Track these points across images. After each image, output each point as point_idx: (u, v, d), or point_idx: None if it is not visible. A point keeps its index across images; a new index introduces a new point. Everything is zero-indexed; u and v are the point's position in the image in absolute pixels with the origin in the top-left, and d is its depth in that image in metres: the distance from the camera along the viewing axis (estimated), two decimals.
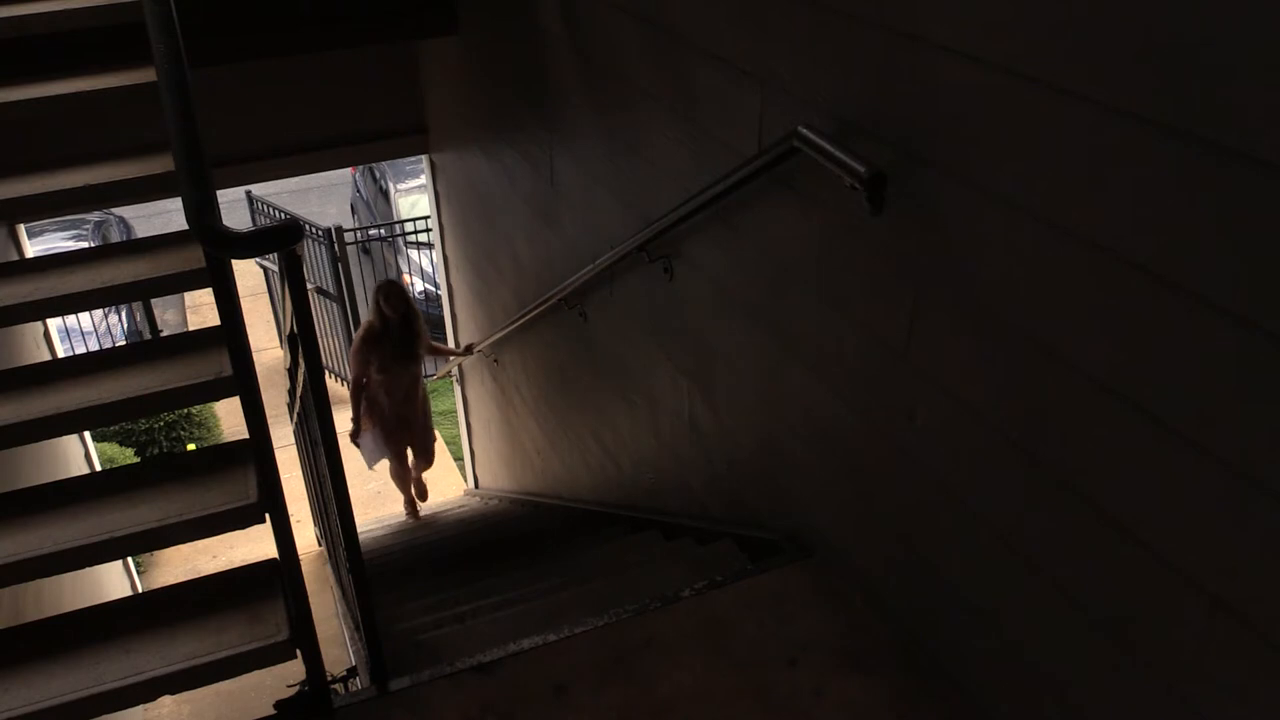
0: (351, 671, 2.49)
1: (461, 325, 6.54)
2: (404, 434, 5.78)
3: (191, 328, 8.86)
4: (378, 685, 2.02)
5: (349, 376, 5.50)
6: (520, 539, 4.59)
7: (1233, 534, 1.20)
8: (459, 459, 7.52)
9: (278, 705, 1.96)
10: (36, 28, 2.54)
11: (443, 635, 2.68)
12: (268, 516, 1.90)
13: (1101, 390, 1.34)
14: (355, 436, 5.60)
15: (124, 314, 8.23)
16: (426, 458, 6.13)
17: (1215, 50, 1.09)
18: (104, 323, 7.92)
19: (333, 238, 7.93)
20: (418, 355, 5.50)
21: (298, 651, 1.89)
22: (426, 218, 7.93)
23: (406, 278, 8.76)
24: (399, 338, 5.30)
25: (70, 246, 6.97)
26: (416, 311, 5.39)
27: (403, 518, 6.30)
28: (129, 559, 5.84)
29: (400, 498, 6.36)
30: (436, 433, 6.45)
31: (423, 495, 6.40)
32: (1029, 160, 1.39)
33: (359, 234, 8.96)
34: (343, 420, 7.95)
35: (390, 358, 5.32)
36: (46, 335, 5.47)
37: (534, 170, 3.96)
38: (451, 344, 6.85)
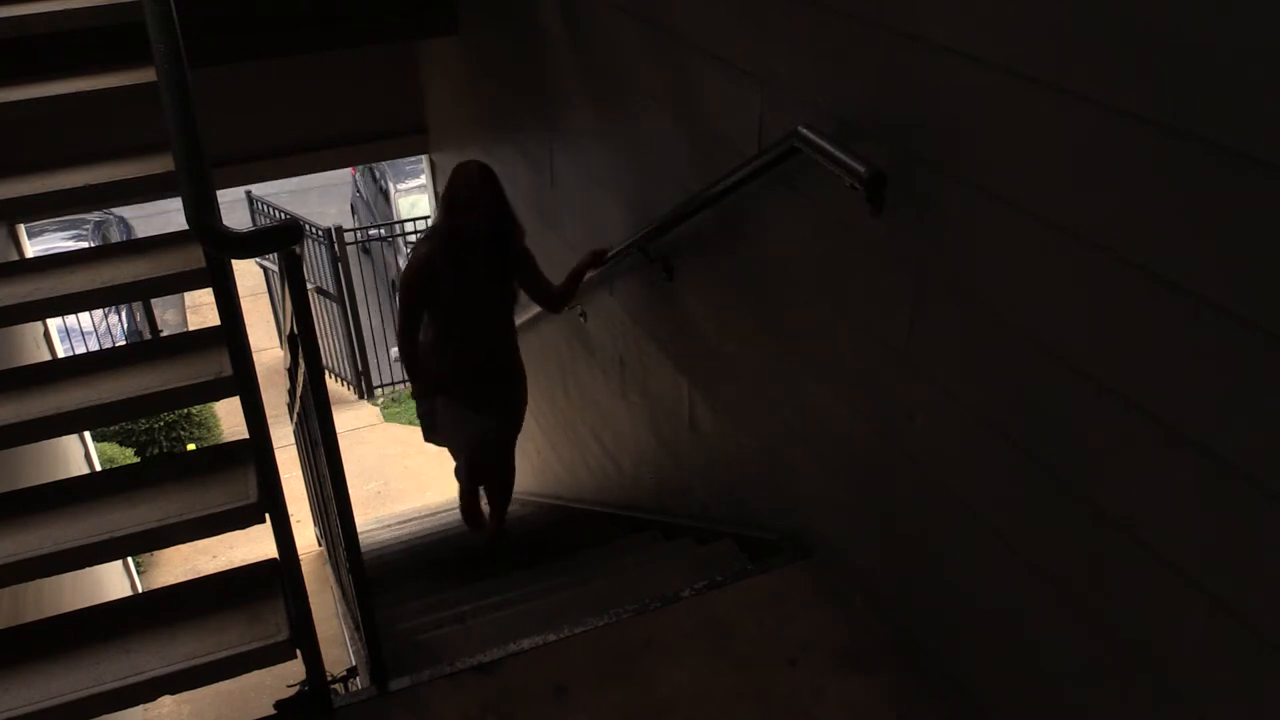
0: (351, 671, 2.49)
1: None
2: (481, 432, 3.54)
3: (191, 328, 8.86)
4: (378, 685, 2.02)
5: (397, 336, 3.31)
6: (520, 539, 4.59)
7: (1233, 534, 1.20)
8: None
9: (278, 705, 1.96)
10: (36, 28, 2.54)
11: (443, 635, 2.68)
12: (268, 516, 1.90)
13: (1101, 390, 1.34)
14: (424, 407, 3.49)
15: (124, 314, 8.23)
16: (506, 476, 3.87)
17: (1215, 50, 1.09)
18: (104, 323, 7.92)
19: (333, 238, 7.93)
20: (513, 294, 3.33)
21: (298, 651, 1.89)
22: (426, 218, 7.93)
23: None
24: (485, 261, 3.13)
25: (70, 246, 6.97)
26: (520, 227, 3.23)
27: (404, 520, 6.24)
28: (129, 559, 5.84)
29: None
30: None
31: (502, 532, 4.10)
32: (1029, 160, 1.39)
33: (359, 234, 8.96)
34: (343, 420, 7.98)
35: (466, 297, 3.16)
36: (46, 335, 5.47)
37: (534, 170, 3.96)
38: None
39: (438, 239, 3.16)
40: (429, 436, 3.70)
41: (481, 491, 4.13)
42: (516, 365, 3.54)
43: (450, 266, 3.11)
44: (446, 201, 3.12)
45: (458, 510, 5.88)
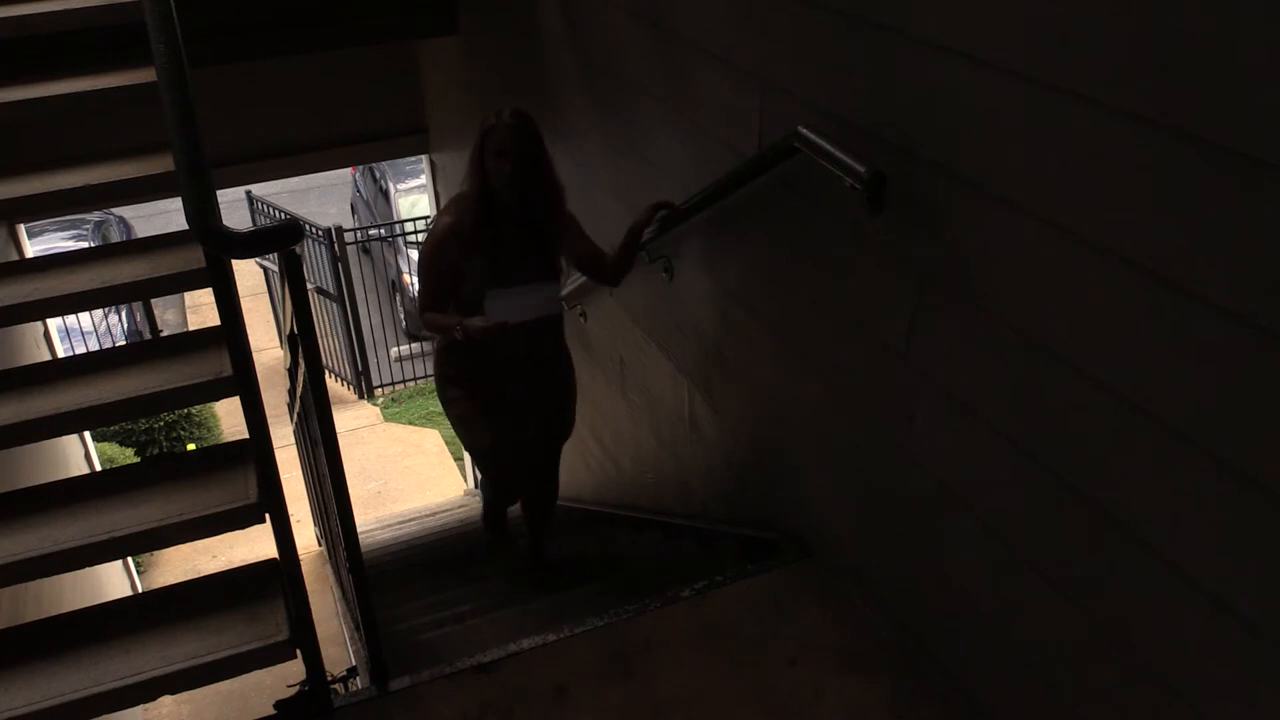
0: (351, 671, 2.49)
1: None
2: (523, 420, 2.95)
3: (191, 328, 8.86)
4: (378, 685, 2.02)
5: (418, 302, 2.81)
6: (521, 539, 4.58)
7: (1233, 534, 1.20)
8: (459, 459, 7.52)
9: (278, 705, 1.96)
10: (36, 28, 2.54)
11: (443, 635, 2.68)
12: (268, 516, 1.90)
13: (1101, 390, 1.34)
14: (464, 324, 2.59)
15: (124, 314, 8.23)
16: (551, 487, 3.28)
17: (1215, 50, 1.09)
18: (104, 323, 7.92)
19: (333, 238, 7.94)
20: (556, 265, 2.80)
21: (298, 651, 1.89)
22: (426, 218, 7.93)
23: (406, 278, 8.75)
24: (521, 226, 2.65)
25: (70, 246, 6.97)
26: (560, 186, 2.70)
27: (404, 520, 6.22)
28: (129, 559, 5.84)
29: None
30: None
31: (539, 555, 3.47)
32: (1029, 160, 1.39)
33: (359, 234, 8.96)
34: (343, 420, 7.98)
35: (500, 272, 2.62)
36: (46, 335, 5.47)
37: None
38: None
39: (463, 202, 2.65)
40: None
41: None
42: (564, 351, 2.99)
43: (479, 234, 2.61)
44: (473, 155, 2.58)
45: (458, 510, 5.85)
